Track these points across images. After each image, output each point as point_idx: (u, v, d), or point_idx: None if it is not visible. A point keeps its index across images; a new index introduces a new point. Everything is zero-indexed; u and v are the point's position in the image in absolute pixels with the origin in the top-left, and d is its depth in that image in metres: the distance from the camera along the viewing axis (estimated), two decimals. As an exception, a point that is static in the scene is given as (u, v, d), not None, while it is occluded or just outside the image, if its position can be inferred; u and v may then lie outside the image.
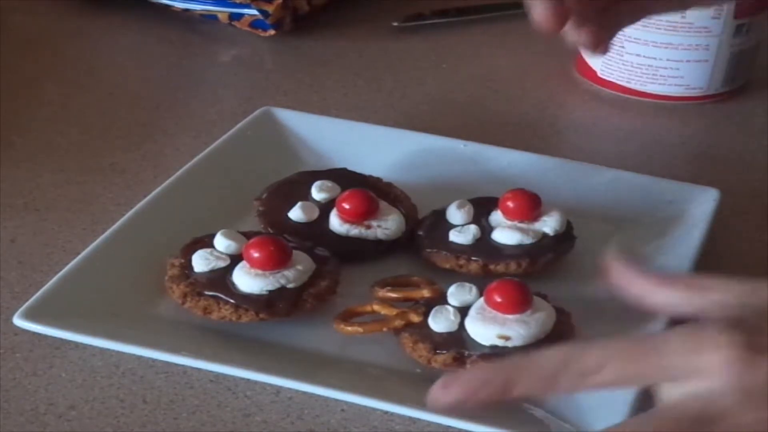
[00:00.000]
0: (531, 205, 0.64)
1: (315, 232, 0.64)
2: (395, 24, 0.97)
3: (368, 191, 0.65)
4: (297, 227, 0.65)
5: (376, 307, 0.58)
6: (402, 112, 0.83)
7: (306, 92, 0.87)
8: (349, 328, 0.58)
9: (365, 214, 0.64)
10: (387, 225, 0.64)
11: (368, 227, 0.64)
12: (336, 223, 0.64)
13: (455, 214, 0.64)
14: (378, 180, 0.69)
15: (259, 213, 0.66)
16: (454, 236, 0.63)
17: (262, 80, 0.90)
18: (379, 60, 0.92)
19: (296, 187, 0.67)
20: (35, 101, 0.86)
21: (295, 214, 0.65)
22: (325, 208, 0.65)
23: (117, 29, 0.97)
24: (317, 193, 0.66)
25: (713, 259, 0.64)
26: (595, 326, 0.57)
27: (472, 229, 0.63)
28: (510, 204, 0.64)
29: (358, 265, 0.63)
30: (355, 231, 0.64)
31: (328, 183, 0.67)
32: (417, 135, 0.74)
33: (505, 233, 0.63)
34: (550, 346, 0.46)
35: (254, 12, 0.93)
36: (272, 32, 0.94)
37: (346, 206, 0.64)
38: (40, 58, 0.93)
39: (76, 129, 0.81)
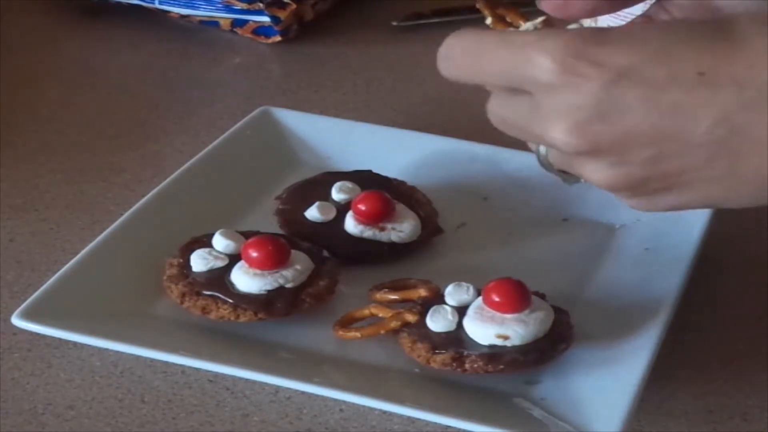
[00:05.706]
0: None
1: (329, 232, 0.64)
2: (395, 24, 0.97)
3: (384, 193, 0.65)
4: (312, 227, 0.65)
5: (373, 310, 0.58)
6: (401, 111, 0.83)
7: (305, 92, 0.87)
8: (348, 334, 0.58)
9: (379, 216, 0.64)
10: (401, 228, 0.64)
11: (382, 229, 0.64)
12: (351, 224, 0.64)
13: None
14: (401, 183, 0.69)
15: (276, 211, 0.66)
16: None
17: (261, 80, 0.90)
18: (379, 60, 0.92)
19: (317, 187, 0.67)
20: (35, 101, 0.86)
21: (311, 213, 0.65)
22: (344, 209, 0.65)
23: (116, 30, 0.97)
24: (337, 193, 0.66)
25: (713, 257, 0.64)
26: (594, 325, 0.57)
27: None
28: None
29: (363, 267, 0.63)
30: (368, 233, 0.64)
31: (348, 184, 0.67)
32: (417, 135, 0.73)
33: None
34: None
35: (262, 18, 0.93)
36: (278, 39, 0.94)
37: (362, 207, 0.64)
38: (40, 58, 0.93)
39: (76, 129, 0.81)
